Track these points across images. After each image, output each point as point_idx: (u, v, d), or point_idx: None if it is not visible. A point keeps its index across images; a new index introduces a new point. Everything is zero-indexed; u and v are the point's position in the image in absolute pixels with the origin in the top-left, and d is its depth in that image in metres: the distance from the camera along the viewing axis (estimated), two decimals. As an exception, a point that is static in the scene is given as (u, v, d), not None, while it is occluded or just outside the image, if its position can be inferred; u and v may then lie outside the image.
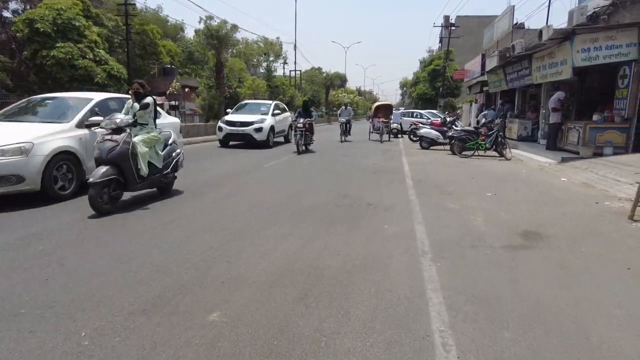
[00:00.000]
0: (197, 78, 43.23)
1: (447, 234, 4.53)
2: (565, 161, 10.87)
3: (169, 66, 35.91)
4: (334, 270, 3.42)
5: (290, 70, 45.81)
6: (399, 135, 22.70)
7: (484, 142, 12.92)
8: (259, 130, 14.55)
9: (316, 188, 7.16)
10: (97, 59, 20.12)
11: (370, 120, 21.56)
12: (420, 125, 16.46)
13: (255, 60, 65.73)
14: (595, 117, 11.35)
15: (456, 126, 15.21)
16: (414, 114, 26.85)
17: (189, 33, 46.68)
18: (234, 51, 62.63)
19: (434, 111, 29.79)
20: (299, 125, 13.68)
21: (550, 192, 7.33)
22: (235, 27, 62.16)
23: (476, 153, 13.00)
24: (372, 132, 20.59)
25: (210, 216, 5.13)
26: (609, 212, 5.77)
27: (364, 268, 3.50)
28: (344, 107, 20.63)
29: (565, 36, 11.34)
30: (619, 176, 8.42)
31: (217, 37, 26.55)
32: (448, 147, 15.06)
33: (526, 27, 26.03)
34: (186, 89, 34.52)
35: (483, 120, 17.97)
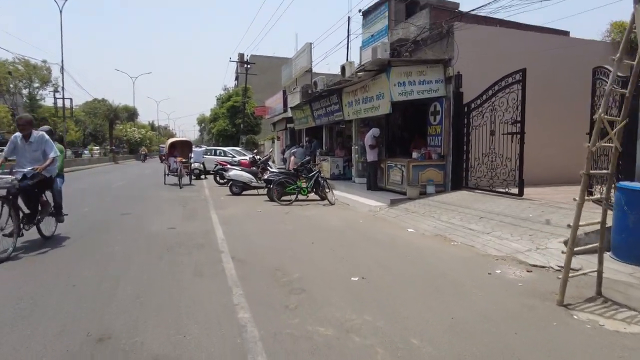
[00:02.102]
0: None
1: None
2: (395, 204, 9.72)
3: None
4: None
5: (56, 98, 36.89)
6: (202, 177, 19.42)
7: (305, 186, 10.97)
8: None
9: (40, 319, 3.39)
10: None
11: (165, 160, 17.65)
12: (229, 166, 13.67)
13: (12, 85, 52.06)
14: (415, 155, 10.71)
15: (270, 167, 13.02)
16: (217, 152, 24.05)
17: None
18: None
19: (237, 148, 27.69)
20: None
21: (420, 258, 5.43)
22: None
23: (297, 197, 10.93)
24: (167, 175, 16.69)
25: None
26: (528, 297, 3.99)
27: None
28: (18, 134, 5.89)
29: (380, 68, 10.49)
30: (466, 222, 7.34)
31: None
32: (261, 190, 12.75)
33: (313, 71, 26.30)
34: None
35: (292, 159, 16.51)
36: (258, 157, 15.62)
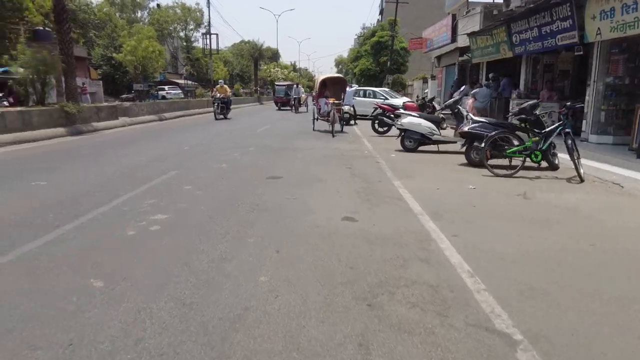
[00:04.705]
0: (84, 46, 32.80)
1: None
2: None
3: (41, 28, 25.86)
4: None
5: (202, 34, 37.05)
6: (352, 122, 16.32)
7: (539, 149, 6.84)
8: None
9: None
10: None
11: (315, 101, 14.87)
12: (402, 112, 10.08)
13: (171, 28, 55.40)
14: None
15: (464, 113, 8.99)
16: (367, 93, 20.71)
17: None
18: (149, 18, 52.03)
19: (386, 89, 23.98)
20: None
21: None
22: (147, -11, 51.50)
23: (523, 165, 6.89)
24: (317, 119, 13.93)
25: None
26: None
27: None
28: None
29: None
30: None
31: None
32: (442, 146, 9.14)
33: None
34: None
35: (470, 102, 12.22)
36: (436, 99, 11.65)
